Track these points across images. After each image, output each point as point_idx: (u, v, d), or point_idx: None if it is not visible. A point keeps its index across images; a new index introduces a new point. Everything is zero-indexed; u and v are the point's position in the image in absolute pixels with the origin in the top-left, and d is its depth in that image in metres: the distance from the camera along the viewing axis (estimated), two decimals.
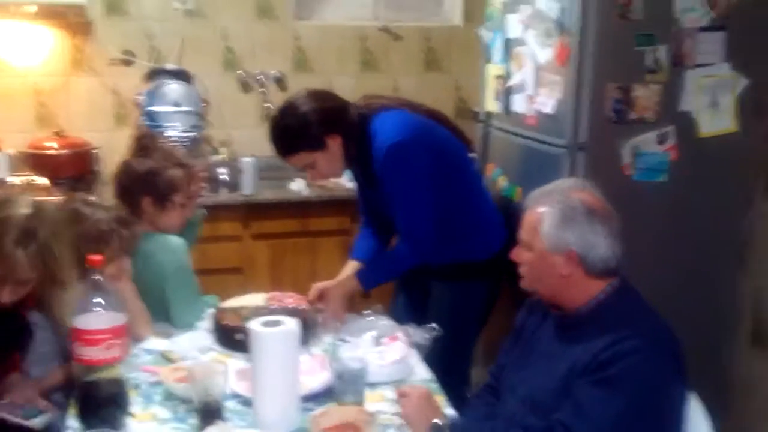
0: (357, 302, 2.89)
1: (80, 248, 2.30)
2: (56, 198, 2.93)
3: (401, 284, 3.27)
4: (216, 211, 3.99)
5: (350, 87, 4.56)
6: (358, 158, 2.83)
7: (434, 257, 2.87)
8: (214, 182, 4.35)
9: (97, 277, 2.12)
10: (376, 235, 3.13)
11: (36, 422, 2.25)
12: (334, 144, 2.80)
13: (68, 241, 2.29)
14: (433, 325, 2.64)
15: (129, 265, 2.61)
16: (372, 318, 2.78)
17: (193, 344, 2.61)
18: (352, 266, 3.05)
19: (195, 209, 2.97)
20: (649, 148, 3.24)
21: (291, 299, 2.76)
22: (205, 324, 2.77)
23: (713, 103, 3.23)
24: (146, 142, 2.86)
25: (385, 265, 2.91)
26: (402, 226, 2.82)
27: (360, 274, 2.91)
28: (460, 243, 2.98)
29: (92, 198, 2.65)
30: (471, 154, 3.08)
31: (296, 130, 2.78)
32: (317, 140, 2.79)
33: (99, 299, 2.12)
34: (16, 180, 4.25)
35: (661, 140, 3.22)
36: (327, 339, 2.66)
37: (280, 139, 2.81)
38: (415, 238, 2.80)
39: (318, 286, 2.87)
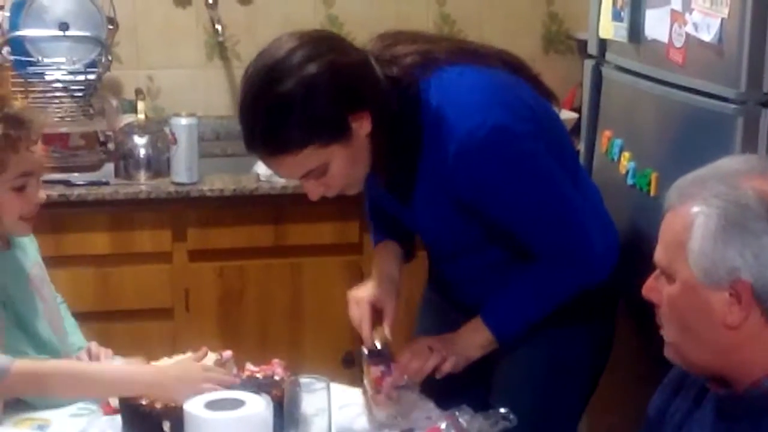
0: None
1: None
2: None
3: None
4: (128, 211, 3.61)
5: (354, 8, 4.15)
6: (398, 154, 2.40)
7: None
8: (125, 160, 3.75)
9: None
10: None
11: None
12: (362, 129, 2.32)
13: None
14: (502, 409, 2.22)
15: None
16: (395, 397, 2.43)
17: None
18: (388, 257, 2.57)
19: (37, 194, 2.52)
20: None
21: (262, 366, 2.39)
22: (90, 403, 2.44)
23: None
24: None
25: (530, 294, 2.42)
26: (546, 245, 2.41)
27: (489, 315, 2.43)
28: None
29: None
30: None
31: (302, 106, 2.25)
32: (338, 123, 2.30)
33: None
34: None
35: None
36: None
37: (272, 128, 2.27)
38: (578, 257, 2.39)
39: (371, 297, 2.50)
